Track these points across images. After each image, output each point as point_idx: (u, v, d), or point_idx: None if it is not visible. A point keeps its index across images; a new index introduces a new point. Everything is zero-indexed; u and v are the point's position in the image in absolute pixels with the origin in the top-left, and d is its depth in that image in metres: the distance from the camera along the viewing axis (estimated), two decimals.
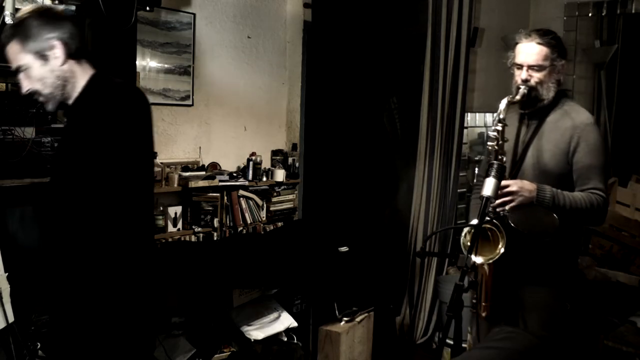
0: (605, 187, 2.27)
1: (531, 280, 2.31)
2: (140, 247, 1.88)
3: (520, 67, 2.28)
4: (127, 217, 1.80)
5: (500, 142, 2.22)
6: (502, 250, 2.14)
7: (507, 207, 2.18)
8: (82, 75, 1.86)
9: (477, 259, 2.14)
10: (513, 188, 2.17)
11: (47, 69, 1.80)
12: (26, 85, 1.82)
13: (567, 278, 2.37)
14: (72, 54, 1.84)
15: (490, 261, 2.18)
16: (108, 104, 1.81)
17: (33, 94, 1.83)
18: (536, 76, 2.25)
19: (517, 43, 2.31)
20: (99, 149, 1.75)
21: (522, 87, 2.25)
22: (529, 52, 2.26)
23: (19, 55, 1.78)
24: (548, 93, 2.28)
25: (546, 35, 2.27)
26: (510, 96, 2.24)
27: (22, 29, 1.79)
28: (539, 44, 2.25)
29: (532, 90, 2.26)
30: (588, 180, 2.24)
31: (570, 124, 2.27)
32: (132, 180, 1.81)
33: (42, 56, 1.80)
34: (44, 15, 1.84)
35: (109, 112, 1.79)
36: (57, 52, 1.81)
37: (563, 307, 2.35)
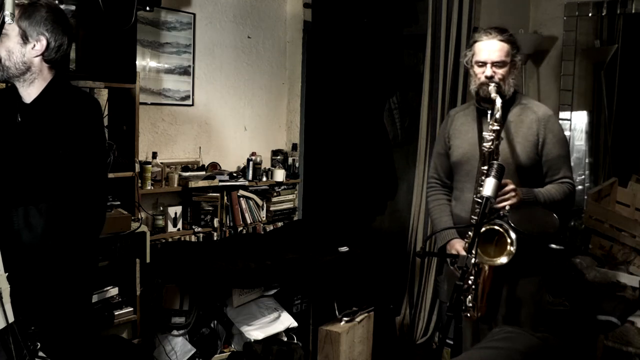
0: (571, 174, 2.39)
1: (514, 272, 2.32)
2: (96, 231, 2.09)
3: (483, 64, 2.31)
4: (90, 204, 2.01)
5: (497, 142, 2.22)
6: (512, 254, 2.12)
7: (507, 205, 2.17)
8: (45, 77, 1.96)
9: (480, 259, 2.13)
10: (512, 186, 2.18)
11: (21, 49, 1.90)
12: None
13: (545, 266, 2.45)
14: (48, 59, 1.94)
15: (497, 263, 2.16)
16: (74, 106, 1.95)
17: None
18: (500, 72, 2.29)
19: (476, 41, 2.35)
20: (71, 145, 1.89)
21: (491, 84, 2.27)
22: (492, 49, 2.29)
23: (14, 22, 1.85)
24: (509, 89, 2.33)
25: (505, 33, 2.32)
26: (494, 94, 2.23)
27: (34, 9, 1.89)
28: (500, 40, 2.30)
29: (497, 87, 2.28)
30: (558, 170, 2.34)
31: (535, 117, 2.34)
32: (95, 170, 2.02)
33: (26, 38, 1.89)
34: (56, 15, 1.94)
35: (77, 113, 1.94)
36: (38, 47, 1.91)
37: (544, 295, 2.44)
